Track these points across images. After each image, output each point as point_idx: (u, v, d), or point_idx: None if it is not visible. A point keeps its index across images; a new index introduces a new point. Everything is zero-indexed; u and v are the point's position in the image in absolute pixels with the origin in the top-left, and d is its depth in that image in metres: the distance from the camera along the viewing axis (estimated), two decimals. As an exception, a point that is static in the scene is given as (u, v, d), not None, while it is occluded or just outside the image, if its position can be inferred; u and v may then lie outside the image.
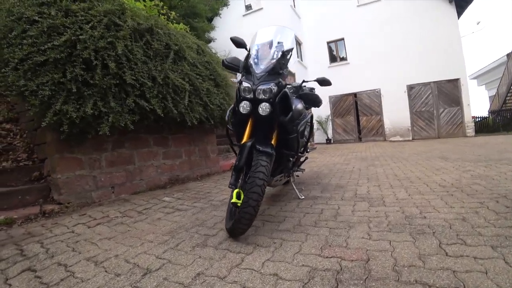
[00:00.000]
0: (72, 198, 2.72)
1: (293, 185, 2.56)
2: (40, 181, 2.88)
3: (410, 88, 11.97)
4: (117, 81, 2.61)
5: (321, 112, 13.28)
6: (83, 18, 2.51)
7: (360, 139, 13.05)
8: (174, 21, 4.24)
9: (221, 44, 14.17)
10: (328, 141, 13.19)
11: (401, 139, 11.89)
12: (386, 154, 6.18)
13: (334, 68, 13.47)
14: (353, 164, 4.84)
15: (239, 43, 1.90)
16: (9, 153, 2.99)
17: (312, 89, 2.87)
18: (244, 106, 1.67)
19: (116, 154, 3.13)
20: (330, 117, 13.47)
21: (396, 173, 3.54)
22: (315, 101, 2.34)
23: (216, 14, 12.48)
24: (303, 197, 2.48)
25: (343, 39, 13.35)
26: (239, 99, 1.72)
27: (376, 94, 12.62)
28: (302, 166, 3.48)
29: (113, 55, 2.56)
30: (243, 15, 13.36)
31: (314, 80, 2.27)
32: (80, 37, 2.42)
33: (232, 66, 1.89)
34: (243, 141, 1.71)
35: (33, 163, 2.98)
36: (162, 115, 2.95)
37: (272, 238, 1.59)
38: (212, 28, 12.30)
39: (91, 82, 2.44)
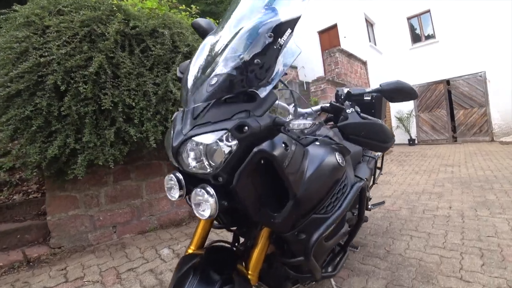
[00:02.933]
0: (65, 242, 2.36)
1: (332, 282, 1.46)
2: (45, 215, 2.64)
3: (537, 67, 8.58)
4: (94, 107, 2.05)
5: (401, 106, 10.91)
6: (54, 34, 2.02)
7: (454, 139, 10.20)
8: (198, 16, 3.56)
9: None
10: (411, 142, 10.72)
11: (519, 138, 8.69)
12: (503, 173, 4.15)
13: (417, 50, 10.82)
14: (449, 196, 3.22)
15: (203, 30, 0.98)
16: (23, 183, 2.86)
17: (374, 92, 1.48)
18: (171, 186, 0.78)
19: (119, 188, 2.65)
20: (413, 112, 10.95)
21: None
22: (378, 141, 1.02)
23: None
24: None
25: (428, 11, 10.54)
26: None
27: (478, 80, 9.56)
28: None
29: (88, 75, 2.00)
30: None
31: (375, 91, 1.04)
32: (48, 58, 1.94)
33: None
34: (186, 252, 0.86)
35: (42, 195, 2.76)
36: (155, 145, 2.28)
37: None
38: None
39: (57, 114, 1.93)
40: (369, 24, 11.41)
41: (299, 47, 0.80)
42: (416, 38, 11.06)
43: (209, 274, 0.74)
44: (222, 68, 0.72)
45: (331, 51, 8.69)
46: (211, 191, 0.67)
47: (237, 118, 0.69)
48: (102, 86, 2.10)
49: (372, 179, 1.98)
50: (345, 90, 1.39)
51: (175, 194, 0.76)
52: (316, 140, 0.96)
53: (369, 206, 1.85)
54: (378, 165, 2.15)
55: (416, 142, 10.80)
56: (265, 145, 0.69)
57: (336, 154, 0.98)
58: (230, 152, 0.66)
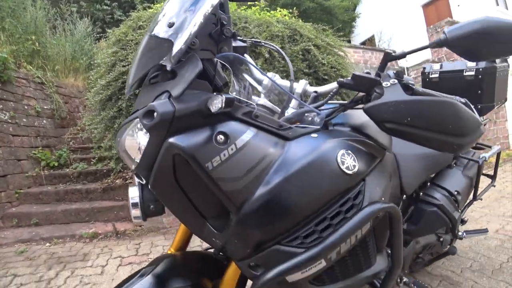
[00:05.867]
0: (144, 222, 2.80)
1: None
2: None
3: None
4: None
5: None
6: (133, 46, 2.37)
7: None
8: (268, 10, 3.51)
9: (368, 21, 11.39)
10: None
11: None
12: None
13: None
14: None
15: None
16: (124, 171, 3.55)
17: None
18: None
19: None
20: None
21: None
22: (440, 133, 0.60)
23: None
24: None
25: None
26: None
27: None
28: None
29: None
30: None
31: (433, 45, 0.59)
32: (128, 67, 2.29)
33: None
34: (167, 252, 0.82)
35: (136, 181, 3.37)
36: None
37: None
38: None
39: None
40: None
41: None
42: None
43: (168, 282, 0.63)
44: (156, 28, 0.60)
45: (438, 25, 7.09)
46: (135, 191, 0.61)
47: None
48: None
49: (472, 192, 1.37)
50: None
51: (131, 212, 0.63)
52: (317, 131, 0.65)
53: (460, 233, 1.27)
54: (487, 171, 1.52)
55: None
56: (179, 137, 0.50)
57: (341, 152, 0.61)
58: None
